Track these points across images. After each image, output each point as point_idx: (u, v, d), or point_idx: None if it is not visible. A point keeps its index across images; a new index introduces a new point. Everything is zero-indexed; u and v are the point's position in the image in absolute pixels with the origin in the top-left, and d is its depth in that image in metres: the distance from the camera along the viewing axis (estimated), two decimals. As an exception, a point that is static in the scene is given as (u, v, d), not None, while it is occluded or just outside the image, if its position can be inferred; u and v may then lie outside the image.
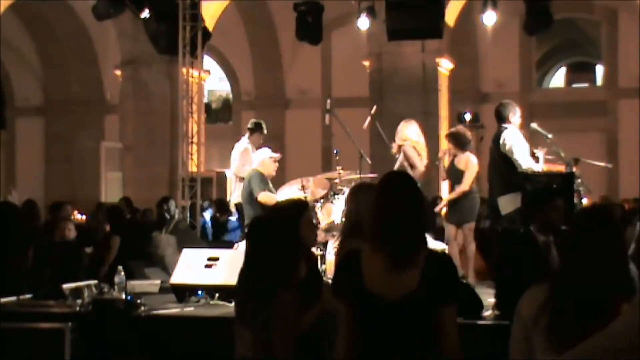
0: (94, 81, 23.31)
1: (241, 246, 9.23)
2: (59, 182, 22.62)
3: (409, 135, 9.64)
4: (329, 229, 8.63)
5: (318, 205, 8.86)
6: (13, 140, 24.27)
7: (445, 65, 16.84)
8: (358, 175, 9.30)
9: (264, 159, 9.23)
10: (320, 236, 7.94)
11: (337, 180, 9.11)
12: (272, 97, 23.79)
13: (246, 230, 9.13)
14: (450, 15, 15.85)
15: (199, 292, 7.54)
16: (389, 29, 12.48)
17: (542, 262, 5.98)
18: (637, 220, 8.81)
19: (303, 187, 9.01)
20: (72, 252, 9.29)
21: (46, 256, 8.66)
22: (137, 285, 8.07)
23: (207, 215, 14.74)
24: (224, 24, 17.79)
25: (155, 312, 6.87)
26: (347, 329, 3.42)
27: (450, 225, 9.43)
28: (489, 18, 12.69)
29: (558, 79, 29.32)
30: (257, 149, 10.09)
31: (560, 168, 8.57)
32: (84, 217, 15.92)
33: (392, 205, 3.42)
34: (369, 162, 9.98)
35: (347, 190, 8.91)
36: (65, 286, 7.11)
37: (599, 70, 26.19)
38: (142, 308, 6.82)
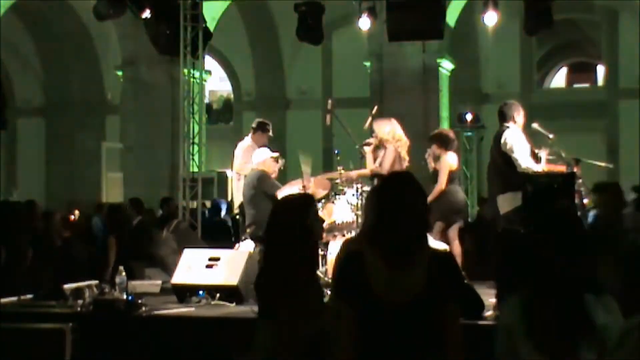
0: (94, 82, 23.31)
1: (242, 246, 9.25)
2: (60, 183, 22.62)
3: (402, 135, 9.38)
4: (330, 229, 8.63)
5: (319, 205, 8.85)
6: (14, 141, 24.25)
7: (445, 66, 16.83)
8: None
9: (267, 159, 9.22)
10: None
11: (338, 181, 9.10)
12: (273, 97, 23.79)
13: (247, 230, 9.18)
14: (451, 16, 15.83)
15: (200, 292, 7.54)
16: (389, 29, 12.48)
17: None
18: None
19: (304, 188, 9.00)
20: (71, 252, 9.29)
21: (46, 256, 8.67)
22: (138, 285, 8.08)
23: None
24: (225, 24, 17.78)
25: (156, 312, 6.87)
26: (348, 331, 3.39)
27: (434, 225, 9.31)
28: (490, 18, 12.68)
29: (559, 79, 29.34)
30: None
31: (561, 168, 8.56)
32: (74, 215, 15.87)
33: (389, 205, 3.42)
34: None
35: (348, 190, 8.92)
36: (66, 286, 7.12)
37: (600, 70, 26.19)
38: (143, 308, 6.83)
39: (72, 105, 23.20)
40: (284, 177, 10.76)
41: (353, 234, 8.31)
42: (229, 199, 14.35)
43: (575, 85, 28.69)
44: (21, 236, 8.36)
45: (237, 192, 10.11)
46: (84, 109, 23.12)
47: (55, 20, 22.18)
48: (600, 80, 25.93)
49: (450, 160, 9.45)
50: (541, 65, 25.77)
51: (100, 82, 23.38)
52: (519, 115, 8.60)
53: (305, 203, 4.40)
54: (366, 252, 3.41)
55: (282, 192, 9.16)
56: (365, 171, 9.32)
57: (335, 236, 8.54)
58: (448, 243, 9.06)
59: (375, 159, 9.25)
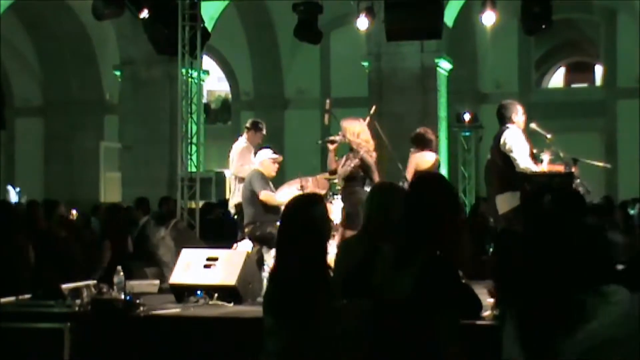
0: (93, 81, 23.32)
1: (240, 246, 9.25)
2: (59, 182, 22.62)
3: (369, 137, 8.85)
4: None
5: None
6: (12, 141, 24.25)
7: (444, 66, 16.84)
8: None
9: (264, 160, 9.23)
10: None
11: (336, 181, 9.09)
12: (271, 97, 23.80)
13: (245, 230, 9.18)
14: (449, 16, 15.85)
15: (198, 292, 7.54)
16: (387, 29, 12.48)
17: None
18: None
19: (302, 187, 9.00)
20: (69, 252, 9.29)
21: (46, 256, 8.67)
22: (136, 285, 8.08)
23: None
24: (223, 24, 17.79)
25: (154, 312, 6.86)
26: (367, 327, 3.40)
27: None
28: (488, 18, 12.68)
29: (557, 79, 29.34)
30: (255, 147, 10.07)
31: (560, 168, 8.56)
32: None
33: (393, 206, 3.43)
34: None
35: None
36: (64, 286, 7.11)
37: (598, 70, 26.19)
38: (141, 308, 6.81)
39: (71, 105, 23.22)
40: (284, 177, 10.77)
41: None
42: (227, 197, 14.33)
43: (574, 85, 28.70)
44: (21, 236, 8.35)
45: (237, 192, 10.11)
46: (82, 109, 23.14)
47: (54, 21, 22.20)
48: (599, 80, 25.94)
49: (418, 159, 9.37)
50: (539, 65, 25.77)
51: (99, 82, 23.39)
52: (518, 115, 8.57)
53: (315, 202, 4.39)
54: (371, 251, 3.42)
55: (281, 192, 9.18)
56: (325, 174, 9.30)
57: (333, 236, 8.53)
58: None
59: (344, 162, 8.77)
